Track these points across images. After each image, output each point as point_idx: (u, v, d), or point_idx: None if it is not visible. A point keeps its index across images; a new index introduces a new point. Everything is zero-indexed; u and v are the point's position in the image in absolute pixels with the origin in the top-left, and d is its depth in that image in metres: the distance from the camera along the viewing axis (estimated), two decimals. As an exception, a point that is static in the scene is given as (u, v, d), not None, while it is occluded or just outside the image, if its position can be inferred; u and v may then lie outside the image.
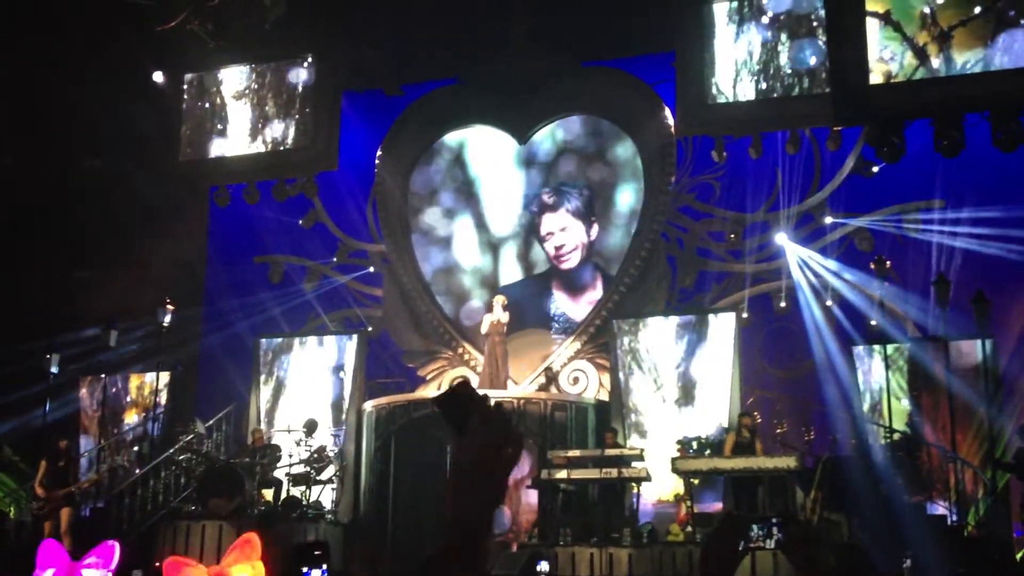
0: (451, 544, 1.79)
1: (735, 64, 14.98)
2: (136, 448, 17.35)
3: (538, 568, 11.45)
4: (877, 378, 14.75)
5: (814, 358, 15.25)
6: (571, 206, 17.75)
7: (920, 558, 10.95)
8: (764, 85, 14.80)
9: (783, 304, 16.04)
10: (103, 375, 17.90)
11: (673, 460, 13.58)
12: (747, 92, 14.87)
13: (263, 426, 16.43)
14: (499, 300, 16.57)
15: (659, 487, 14.46)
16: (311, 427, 15.44)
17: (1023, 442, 12.99)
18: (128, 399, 18.02)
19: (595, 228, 17.65)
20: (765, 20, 15.02)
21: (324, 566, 8.45)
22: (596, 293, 17.44)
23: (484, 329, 16.44)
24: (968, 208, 14.89)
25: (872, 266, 15.21)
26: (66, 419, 17.24)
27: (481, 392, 1.88)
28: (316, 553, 8.61)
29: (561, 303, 17.67)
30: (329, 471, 15.31)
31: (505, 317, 16.28)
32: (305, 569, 8.46)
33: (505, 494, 1.85)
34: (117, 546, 12.45)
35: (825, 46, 14.24)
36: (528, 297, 17.71)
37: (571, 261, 17.70)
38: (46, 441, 15.05)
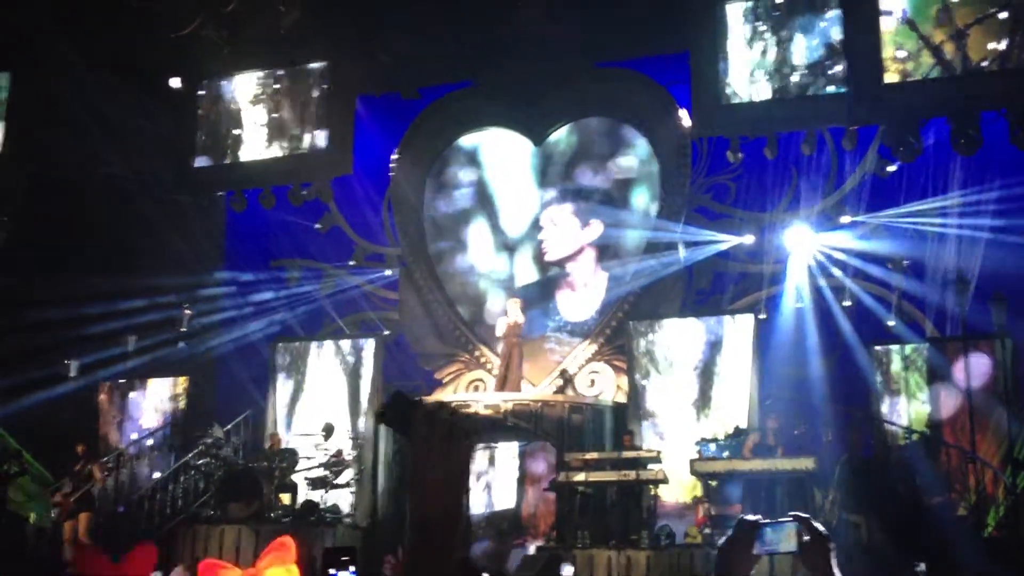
0: (418, 545, 1.81)
1: (750, 64, 14.90)
2: (155, 453, 17.42)
3: (562, 572, 11.44)
4: (895, 378, 14.67)
5: (832, 358, 15.18)
6: (564, 203, 17.71)
7: (939, 559, 10.88)
8: (779, 85, 14.71)
9: (800, 304, 15.96)
10: (122, 380, 18.00)
11: (691, 462, 13.54)
12: (762, 92, 14.79)
13: (280, 430, 16.46)
14: (515, 303, 16.53)
15: (677, 489, 14.42)
16: (329, 431, 15.48)
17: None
18: (146, 404, 18.10)
19: (594, 228, 17.52)
20: (779, 20, 14.95)
21: (352, 568, 8.50)
22: (599, 294, 17.35)
23: (499, 332, 16.41)
24: (987, 205, 14.78)
25: (889, 265, 15.09)
26: (85, 424, 17.33)
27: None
28: (344, 559, 8.66)
29: (568, 304, 17.58)
30: (347, 475, 15.33)
31: (521, 319, 16.25)
32: (333, 571, 8.52)
33: (465, 486, 1.88)
34: (154, 547, 12.58)
35: (840, 45, 14.18)
36: (543, 299, 17.68)
37: (551, 254, 17.62)
38: (64, 447, 15.16)
